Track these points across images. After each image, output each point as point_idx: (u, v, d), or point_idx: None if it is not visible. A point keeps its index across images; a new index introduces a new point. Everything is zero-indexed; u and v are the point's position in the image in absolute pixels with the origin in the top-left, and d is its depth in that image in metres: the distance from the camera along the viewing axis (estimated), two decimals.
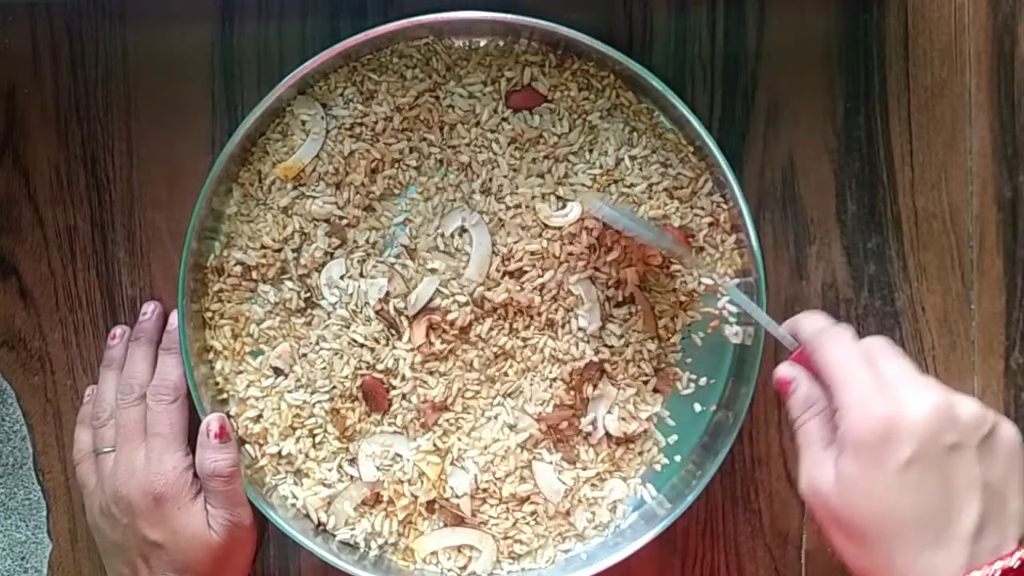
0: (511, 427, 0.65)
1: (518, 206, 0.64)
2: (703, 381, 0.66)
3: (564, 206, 0.64)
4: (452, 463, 0.65)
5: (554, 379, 0.64)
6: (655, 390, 0.65)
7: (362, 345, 0.64)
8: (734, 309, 0.65)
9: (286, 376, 0.65)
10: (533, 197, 0.64)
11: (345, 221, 0.64)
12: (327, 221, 0.64)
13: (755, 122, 0.67)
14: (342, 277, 0.64)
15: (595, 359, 0.64)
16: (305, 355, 0.65)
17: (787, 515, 0.68)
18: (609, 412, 0.65)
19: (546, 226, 0.64)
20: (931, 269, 0.67)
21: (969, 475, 0.48)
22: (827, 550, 0.67)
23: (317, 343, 0.64)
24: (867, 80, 0.67)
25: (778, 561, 0.68)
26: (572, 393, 0.64)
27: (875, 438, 0.48)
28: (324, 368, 0.64)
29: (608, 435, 0.65)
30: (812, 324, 0.54)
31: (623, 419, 0.65)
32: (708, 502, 0.67)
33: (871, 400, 0.48)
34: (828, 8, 0.67)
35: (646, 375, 0.65)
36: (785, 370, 0.55)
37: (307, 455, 0.65)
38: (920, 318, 0.68)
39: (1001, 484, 0.49)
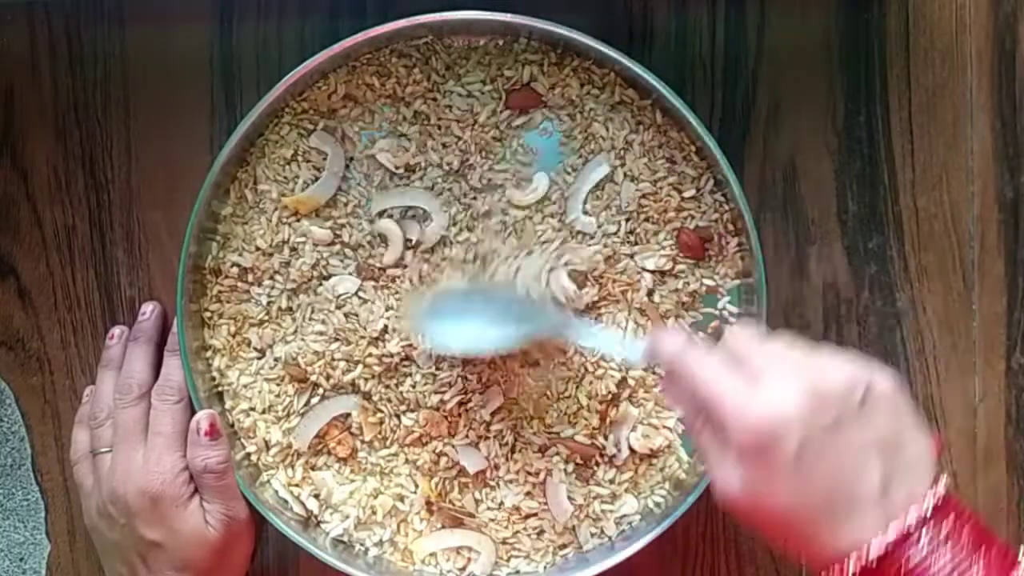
0: (541, 449, 0.65)
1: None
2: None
3: (531, 182, 0.64)
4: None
5: (585, 405, 0.65)
6: None
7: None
8: (734, 310, 0.65)
9: (263, 355, 0.65)
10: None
11: (342, 239, 0.65)
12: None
13: (755, 122, 0.67)
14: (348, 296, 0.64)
15: (618, 377, 0.64)
16: (289, 341, 0.65)
17: None
18: (633, 430, 0.65)
19: (516, 207, 0.64)
20: (932, 269, 0.67)
21: (859, 441, 0.48)
22: None
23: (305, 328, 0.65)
24: (868, 80, 0.67)
25: (779, 562, 0.68)
26: (599, 420, 0.64)
27: (758, 444, 0.48)
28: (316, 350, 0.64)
29: (632, 451, 0.65)
30: (669, 347, 0.53)
31: (646, 436, 0.64)
32: (708, 503, 0.67)
33: (743, 409, 0.48)
34: (829, 8, 0.67)
35: (662, 378, 0.65)
36: (667, 398, 0.55)
37: (291, 438, 0.65)
38: (921, 318, 0.67)
39: (893, 436, 0.49)
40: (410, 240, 0.64)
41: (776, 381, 0.48)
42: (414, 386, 0.64)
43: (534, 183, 0.64)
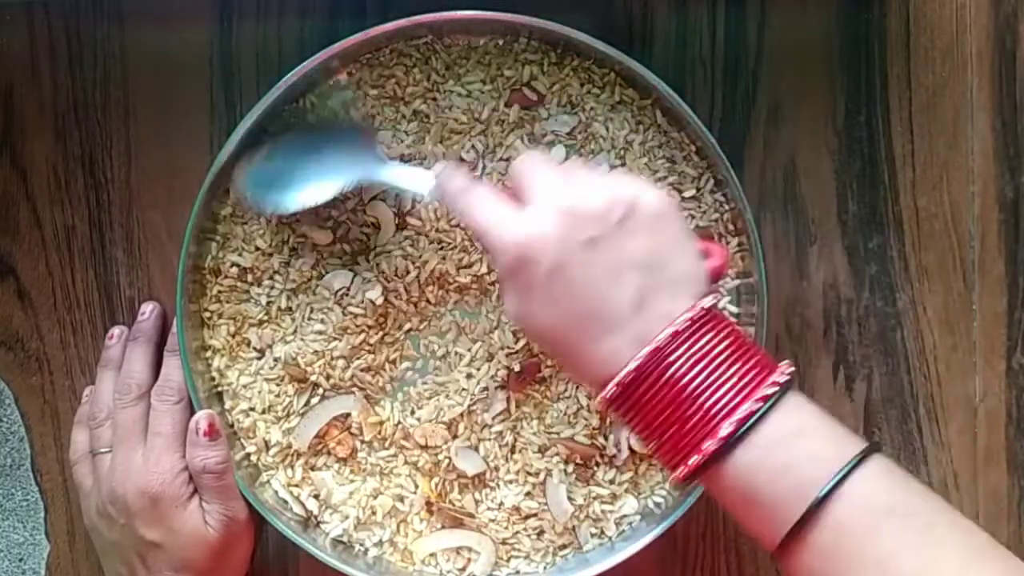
0: (541, 449, 0.64)
1: None
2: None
3: (548, 152, 0.64)
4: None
5: (585, 405, 0.64)
6: None
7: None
8: (734, 310, 0.65)
9: (263, 355, 0.65)
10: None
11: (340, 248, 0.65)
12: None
13: (756, 122, 0.67)
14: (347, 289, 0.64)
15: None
16: (289, 341, 0.65)
17: None
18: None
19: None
20: (933, 269, 0.67)
21: (614, 260, 0.49)
22: None
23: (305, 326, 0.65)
24: (868, 80, 0.67)
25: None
26: (599, 420, 0.64)
27: (513, 265, 0.49)
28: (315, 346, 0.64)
29: (632, 452, 0.65)
30: (452, 184, 0.54)
31: None
32: (709, 503, 0.67)
33: (503, 234, 0.49)
34: (829, 7, 0.67)
35: None
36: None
37: (291, 438, 0.65)
38: (922, 318, 0.67)
39: (654, 254, 0.49)
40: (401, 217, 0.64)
41: (537, 205, 0.49)
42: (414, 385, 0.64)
43: (552, 153, 0.64)
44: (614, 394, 0.49)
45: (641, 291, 0.49)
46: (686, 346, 0.48)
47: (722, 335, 0.49)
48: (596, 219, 0.49)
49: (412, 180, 0.58)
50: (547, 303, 0.49)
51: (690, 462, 0.48)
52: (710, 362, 0.48)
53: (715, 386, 0.48)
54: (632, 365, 0.48)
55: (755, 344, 0.50)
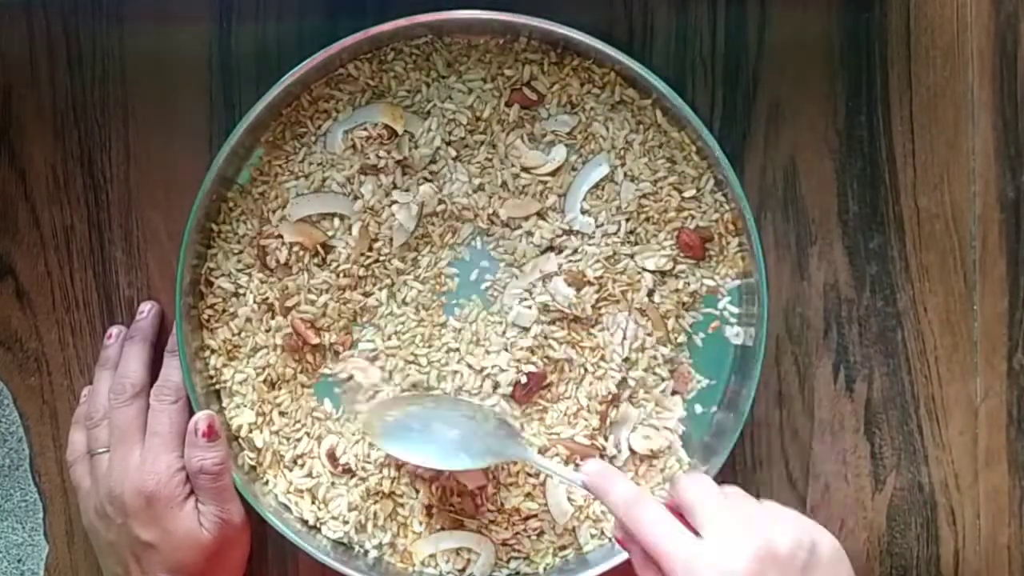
0: (541, 450, 0.64)
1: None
2: (704, 382, 0.65)
3: (548, 152, 0.64)
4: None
5: (585, 405, 0.64)
6: (673, 392, 0.65)
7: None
8: (735, 310, 0.65)
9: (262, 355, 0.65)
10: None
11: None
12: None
13: (756, 121, 0.67)
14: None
15: (618, 378, 0.64)
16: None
17: None
18: (633, 431, 0.64)
19: (525, 169, 0.64)
20: (933, 269, 0.67)
21: None
22: None
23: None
24: (869, 79, 0.67)
25: None
26: (599, 421, 0.64)
27: None
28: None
29: (633, 452, 0.64)
30: (616, 494, 0.54)
31: (647, 436, 0.64)
32: None
33: (692, 566, 0.49)
34: (830, 7, 0.67)
35: (662, 379, 0.65)
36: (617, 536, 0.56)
37: (283, 440, 0.65)
38: (922, 319, 0.67)
39: None
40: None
41: (724, 539, 0.50)
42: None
43: (552, 154, 0.64)
44: None
45: None
46: None
47: None
48: (784, 563, 0.49)
49: (562, 472, 0.60)
50: None
51: None
52: None
53: None
54: None
55: None
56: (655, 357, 0.65)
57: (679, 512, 0.52)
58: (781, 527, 0.51)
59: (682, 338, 0.65)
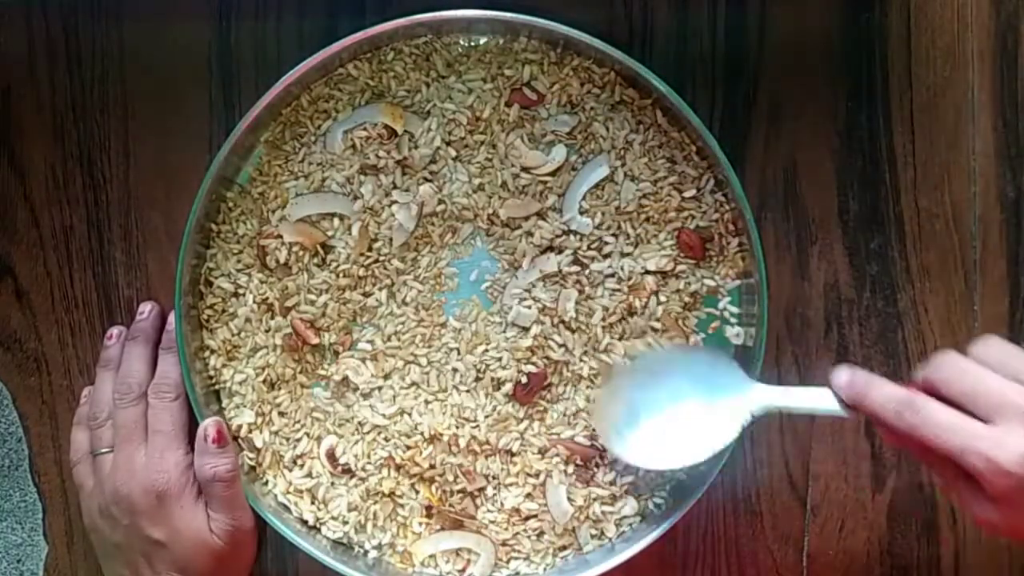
0: (541, 450, 0.64)
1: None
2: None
3: (548, 152, 0.64)
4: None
5: (584, 407, 0.64)
6: None
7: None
8: (735, 310, 0.65)
9: (262, 356, 0.65)
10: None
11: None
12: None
13: (756, 121, 0.67)
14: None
15: None
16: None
17: (788, 517, 0.67)
18: None
19: (525, 169, 0.64)
20: (934, 270, 0.67)
21: None
22: (828, 552, 0.67)
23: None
24: (869, 79, 0.67)
25: (779, 564, 0.68)
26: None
27: (1016, 490, 0.48)
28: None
29: None
30: (878, 397, 0.52)
31: None
32: (709, 504, 0.67)
33: (994, 458, 0.48)
34: (830, 6, 0.66)
35: None
36: (890, 445, 0.55)
37: (283, 440, 0.65)
38: (923, 319, 0.67)
39: None
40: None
41: (1015, 425, 0.48)
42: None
43: (552, 154, 0.64)
44: None
45: None
46: None
47: None
48: None
49: (815, 399, 0.56)
50: None
51: None
52: None
53: None
54: None
55: None
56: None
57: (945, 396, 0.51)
58: None
59: (695, 338, 0.65)
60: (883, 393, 0.53)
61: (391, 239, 0.64)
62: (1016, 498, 0.48)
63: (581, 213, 0.64)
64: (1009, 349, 0.51)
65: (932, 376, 0.52)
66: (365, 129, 0.64)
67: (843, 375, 0.55)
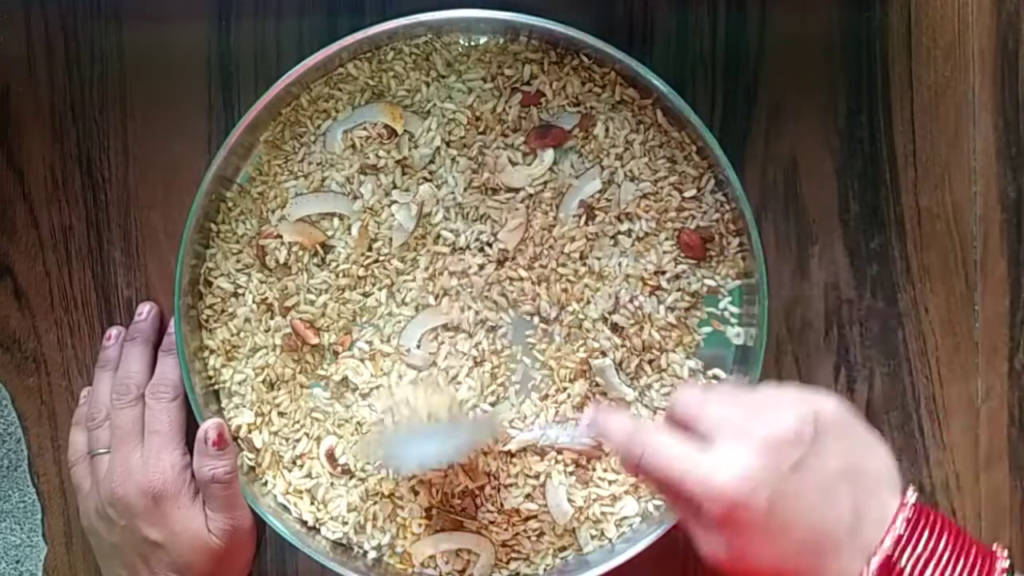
0: (541, 452, 0.64)
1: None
2: (705, 382, 0.65)
3: (535, 156, 0.64)
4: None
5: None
6: None
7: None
8: (735, 310, 0.65)
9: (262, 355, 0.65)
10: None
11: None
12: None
13: (757, 121, 0.67)
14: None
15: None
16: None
17: None
18: None
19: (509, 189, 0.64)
20: (934, 270, 0.67)
21: (822, 476, 0.48)
22: None
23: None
24: (870, 79, 0.66)
25: None
26: None
27: (730, 513, 0.47)
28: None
29: None
30: (615, 432, 0.52)
31: None
32: None
33: (706, 483, 0.47)
34: (830, 6, 0.66)
35: (680, 378, 0.65)
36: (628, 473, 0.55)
37: (282, 441, 0.65)
38: (923, 319, 0.67)
39: (851, 459, 0.49)
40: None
41: (728, 444, 0.48)
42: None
43: (540, 156, 0.64)
44: None
45: (853, 502, 0.48)
46: (910, 548, 0.47)
47: (938, 530, 0.48)
48: (793, 443, 0.48)
49: (562, 433, 0.60)
50: (767, 541, 0.48)
51: None
52: (938, 562, 0.47)
53: None
54: None
55: (964, 531, 0.49)
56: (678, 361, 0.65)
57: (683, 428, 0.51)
58: (780, 411, 0.49)
59: (699, 338, 0.65)
60: (618, 425, 0.52)
61: (391, 239, 0.64)
62: (738, 520, 0.47)
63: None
64: (740, 388, 0.52)
65: (669, 410, 0.53)
66: (365, 129, 0.64)
67: (590, 411, 0.55)
